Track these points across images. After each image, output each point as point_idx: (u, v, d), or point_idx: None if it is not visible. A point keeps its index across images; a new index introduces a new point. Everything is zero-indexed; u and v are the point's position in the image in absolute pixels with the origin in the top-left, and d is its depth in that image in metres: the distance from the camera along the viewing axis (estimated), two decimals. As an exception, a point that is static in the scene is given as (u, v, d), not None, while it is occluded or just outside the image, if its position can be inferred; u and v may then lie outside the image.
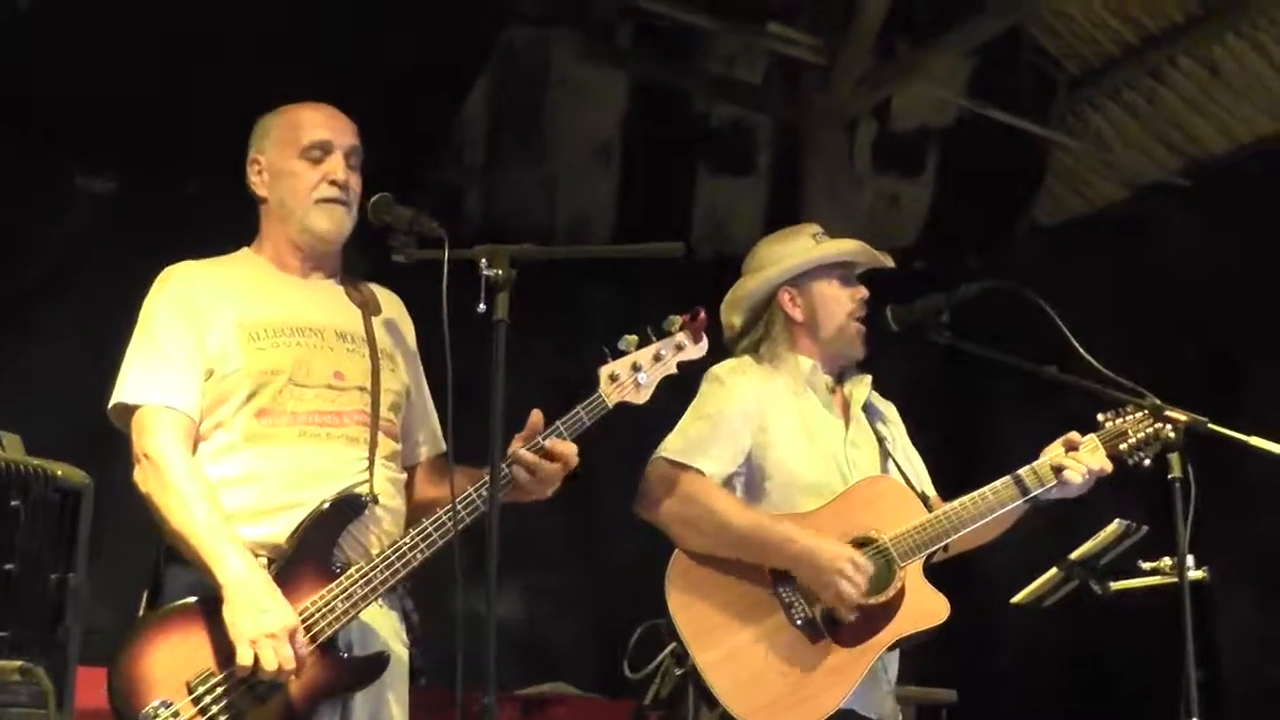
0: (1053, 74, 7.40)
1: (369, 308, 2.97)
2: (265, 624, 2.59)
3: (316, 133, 2.93)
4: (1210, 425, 3.19)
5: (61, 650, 1.95)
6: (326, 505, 2.73)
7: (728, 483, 3.25)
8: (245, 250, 3.00)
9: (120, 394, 2.78)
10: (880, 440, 3.35)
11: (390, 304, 3.04)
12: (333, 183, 2.90)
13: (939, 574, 3.25)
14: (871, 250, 3.41)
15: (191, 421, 2.76)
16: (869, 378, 3.42)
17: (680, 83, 7.28)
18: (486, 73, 6.93)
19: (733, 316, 3.44)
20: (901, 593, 3.12)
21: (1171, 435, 3.17)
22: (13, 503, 1.92)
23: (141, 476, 2.71)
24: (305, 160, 2.91)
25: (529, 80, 7.06)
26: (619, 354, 2.90)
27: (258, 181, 2.96)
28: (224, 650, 2.61)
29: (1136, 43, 7.05)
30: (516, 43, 6.94)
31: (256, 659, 2.58)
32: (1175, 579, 3.17)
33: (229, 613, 2.60)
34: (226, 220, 3.07)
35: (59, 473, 1.99)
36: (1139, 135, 7.39)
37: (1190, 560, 3.14)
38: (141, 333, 2.84)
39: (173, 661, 2.59)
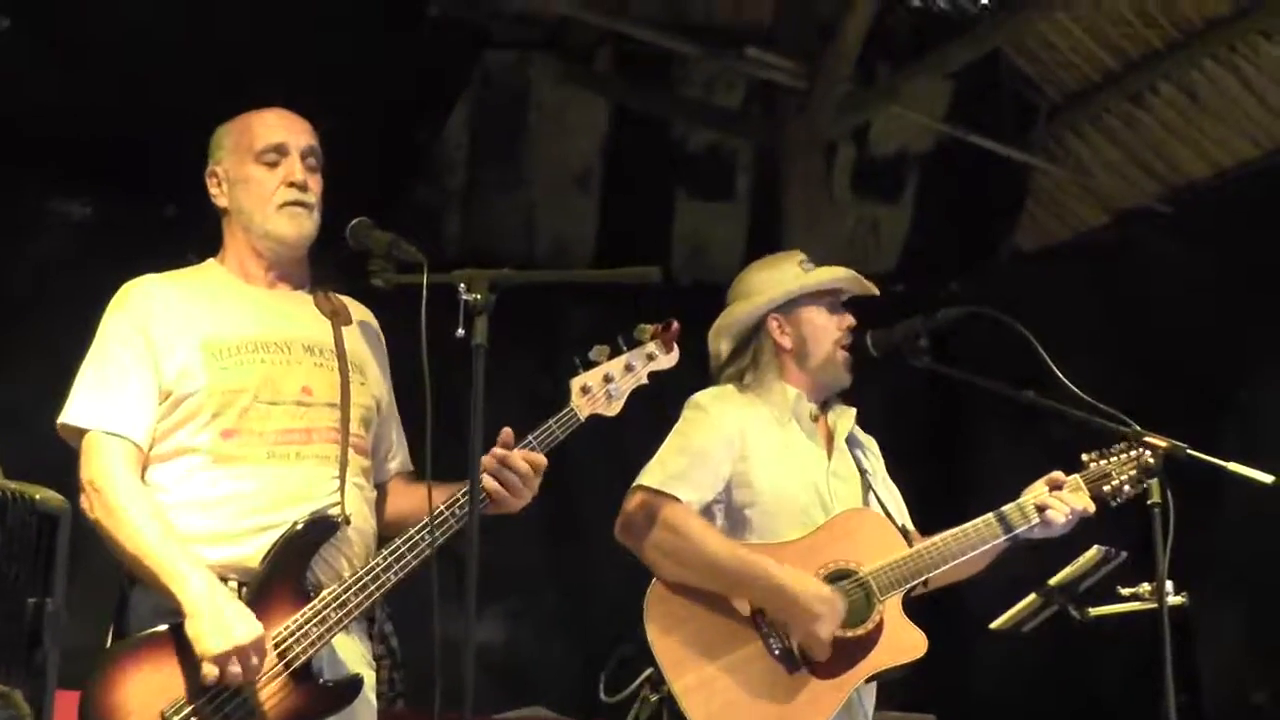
0: (1033, 99, 7.44)
1: (339, 318, 2.92)
2: (231, 638, 2.54)
3: (271, 135, 2.87)
4: (1190, 451, 3.19)
5: (40, 674, 1.94)
6: (299, 527, 2.68)
7: (708, 510, 3.23)
8: (210, 262, 2.95)
9: (68, 414, 2.74)
10: (863, 472, 3.34)
11: (361, 314, 2.98)
12: (291, 184, 2.85)
13: (918, 598, 3.24)
14: (859, 278, 3.41)
15: (138, 449, 2.72)
16: (853, 410, 3.42)
17: (659, 108, 7.29)
18: (465, 97, 6.93)
19: (720, 343, 3.43)
20: (880, 626, 3.11)
21: (1151, 461, 3.18)
22: (-11, 527, 1.90)
23: (88, 504, 2.67)
24: (262, 165, 2.86)
25: (508, 105, 7.06)
26: (590, 365, 2.87)
27: (217, 193, 2.91)
28: (198, 678, 2.56)
29: (1117, 68, 7.09)
30: (495, 67, 6.95)
31: (223, 675, 2.53)
32: (1154, 605, 3.16)
33: (192, 629, 2.55)
34: (204, 244, 3.05)
35: (37, 497, 1.97)
36: (1119, 161, 7.42)
37: (1169, 586, 3.13)
38: (95, 352, 2.79)
39: (146, 691, 2.55)
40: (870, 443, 3.49)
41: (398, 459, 3.00)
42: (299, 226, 2.86)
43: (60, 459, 2.75)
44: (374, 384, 2.92)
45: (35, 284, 5.54)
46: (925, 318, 3.32)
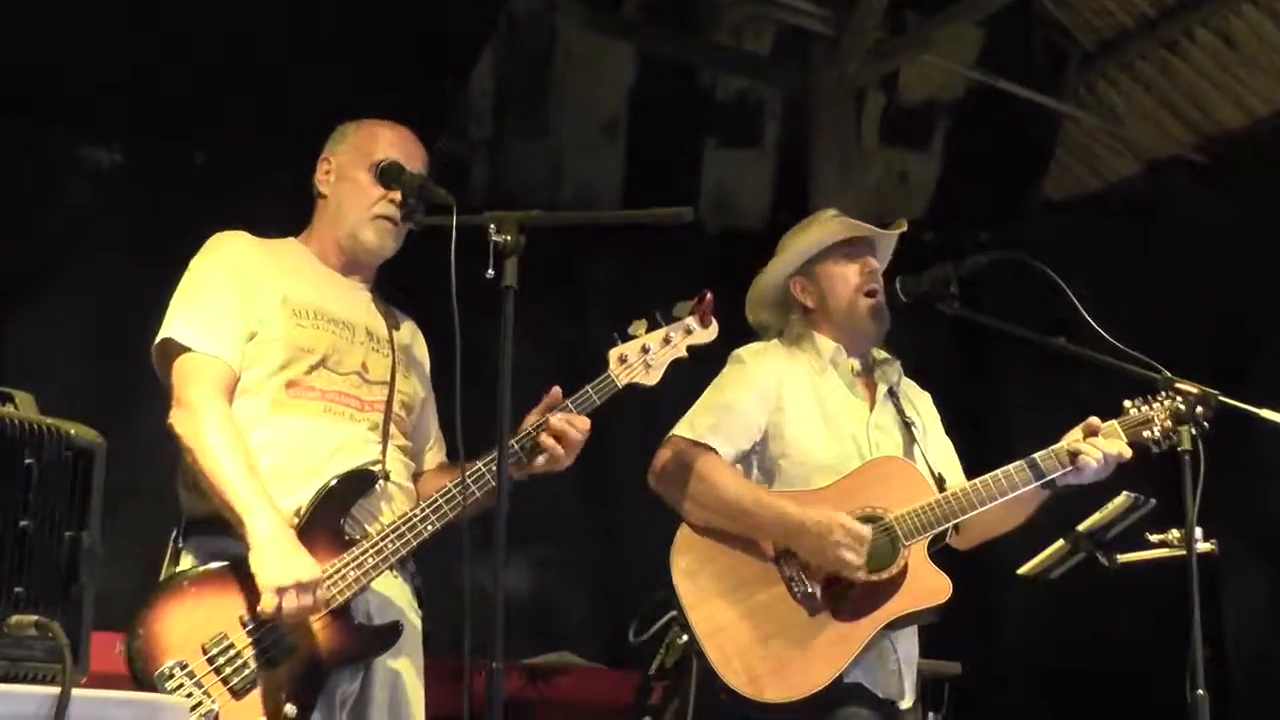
0: (1065, 46, 7.34)
1: (392, 320, 3.07)
2: (292, 572, 2.63)
3: (392, 152, 3.00)
4: (1221, 398, 3.17)
5: (76, 607, 1.97)
6: (339, 478, 2.78)
7: (744, 460, 3.28)
8: (292, 239, 3.08)
9: (170, 331, 2.83)
10: (908, 425, 3.34)
11: (410, 329, 3.13)
12: (391, 201, 2.97)
13: (946, 547, 3.24)
14: (852, 222, 3.40)
15: (234, 375, 2.82)
16: (899, 363, 3.42)
17: (687, 55, 7.24)
18: (492, 45, 6.90)
19: (757, 313, 3.49)
20: (904, 571, 3.13)
21: (1182, 408, 3.16)
22: (26, 460, 1.93)
23: (178, 418, 2.77)
24: (372, 175, 2.98)
25: (534, 52, 7.02)
26: (628, 338, 2.97)
27: (323, 180, 3.05)
28: (239, 614, 2.66)
29: (1151, 14, 6.98)
30: (522, 14, 6.91)
31: (279, 607, 2.61)
32: (1183, 551, 3.16)
33: (256, 562, 2.63)
34: (233, 191, 3.08)
35: (72, 431, 2.00)
36: (1152, 109, 7.33)
37: (1198, 533, 3.12)
38: (192, 282, 2.90)
39: (189, 624, 2.64)
40: (923, 397, 3.49)
41: (435, 451, 3.12)
42: (383, 240, 3.01)
43: (91, 400, 2.79)
44: (418, 379, 3.07)
45: (66, 231, 5.56)
46: (955, 263, 3.31)
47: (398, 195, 2.96)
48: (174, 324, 2.84)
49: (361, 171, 3.00)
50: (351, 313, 2.98)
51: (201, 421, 2.74)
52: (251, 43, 5.46)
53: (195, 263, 2.93)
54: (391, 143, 3.04)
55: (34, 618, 1.89)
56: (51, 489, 1.94)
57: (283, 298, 2.89)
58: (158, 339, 2.85)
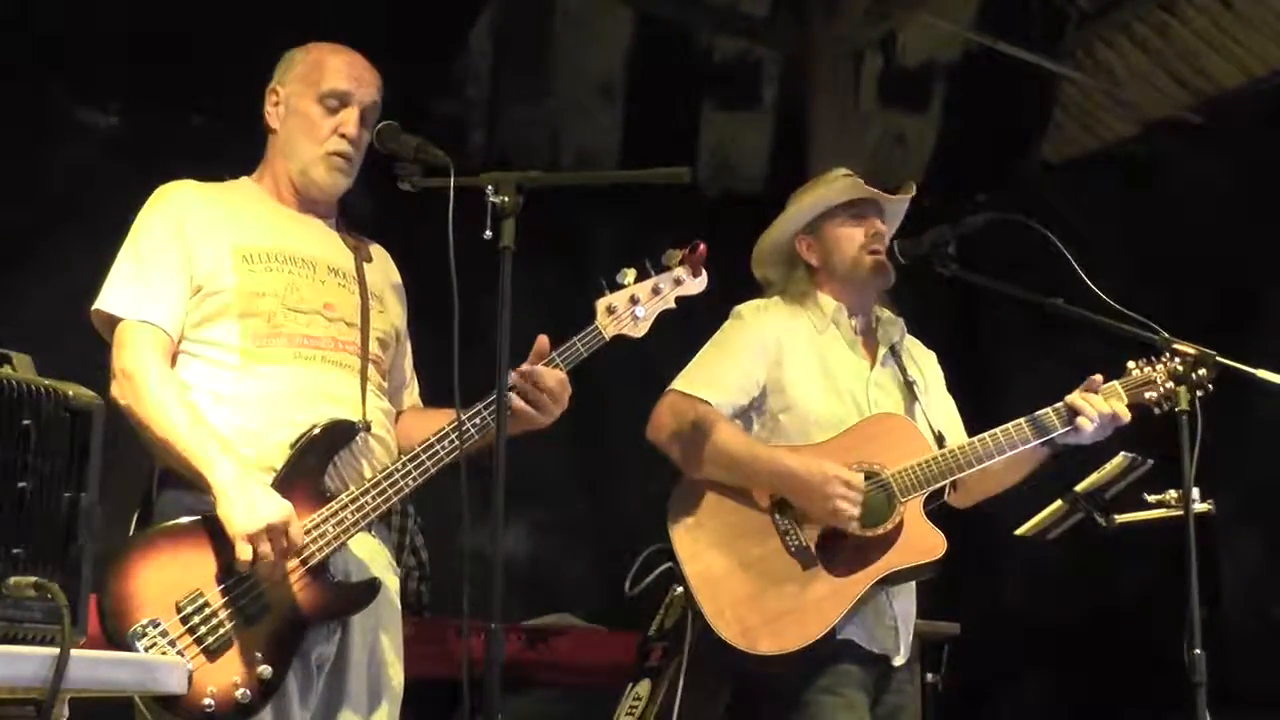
0: (1063, 7, 7.31)
1: (360, 253, 2.98)
2: (261, 516, 2.58)
3: (338, 81, 2.91)
4: (1219, 358, 3.18)
5: (75, 568, 1.96)
6: (318, 430, 2.72)
7: (744, 415, 3.29)
8: (245, 179, 3.00)
9: (102, 301, 2.79)
10: (910, 384, 3.35)
11: (381, 256, 3.05)
12: (343, 136, 2.89)
13: (944, 505, 3.25)
14: (861, 184, 3.41)
15: (169, 338, 2.76)
16: (901, 321, 3.43)
17: (685, 16, 7.20)
18: (490, 6, 6.86)
19: (763, 269, 3.50)
20: (899, 527, 3.14)
21: (1181, 369, 3.17)
22: (24, 422, 1.92)
23: (119, 390, 2.71)
24: (322, 106, 2.90)
25: (532, 13, 6.99)
26: (617, 287, 2.90)
27: (272, 112, 2.96)
28: (214, 570, 2.60)
29: (1150, -26, 6.95)
30: (519, -26, 6.88)
31: (255, 554, 2.57)
32: (1180, 512, 3.17)
33: (224, 510, 2.58)
34: (230, 153, 3.06)
35: (70, 393, 1.99)
36: (1150, 70, 7.30)
37: (1195, 493, 3.13)
38: (129, 245, 2.83)
39: (162, 581, 2.57)
40: (927, 356, 3.51)
41: (410, 392, 3.06)
42: (335, 180, 2.92)
43: (92, 364, 2.77)
44: (392, 314, 2.98)
45: (65, 192, 5.55)
46: (953, 225, 3.31)
47: (348, 128, 2.88)
48: (108, 293, 2.78)
49: (310, 103, 2.90)
50: (310, 250, 2.88)
51: (140, 386, 2.68)
52: (251, 5, 5.43)
53: (135, 224, 2.85)
54: (340, 71, 2.92)
55: (32, 579, 1.89)
56: (50, 450, 1.94)
57: (232, 245, 2.80)
58: (93, 307, 2.79)
